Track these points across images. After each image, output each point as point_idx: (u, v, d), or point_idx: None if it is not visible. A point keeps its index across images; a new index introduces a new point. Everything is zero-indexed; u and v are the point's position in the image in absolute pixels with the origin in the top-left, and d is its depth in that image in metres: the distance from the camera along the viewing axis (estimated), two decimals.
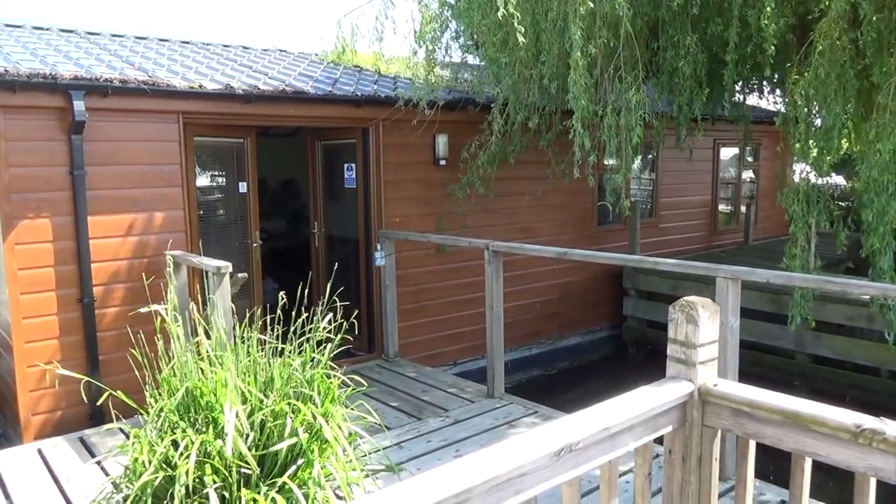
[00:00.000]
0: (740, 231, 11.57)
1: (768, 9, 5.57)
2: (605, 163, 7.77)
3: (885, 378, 6.98)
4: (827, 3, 6.02)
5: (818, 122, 5.89)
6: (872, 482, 1.68)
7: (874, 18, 5.43)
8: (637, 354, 9.18)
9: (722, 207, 11.77)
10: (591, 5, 5.67)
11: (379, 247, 6.87)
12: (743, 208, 11.84)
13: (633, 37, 6.35)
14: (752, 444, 2.00)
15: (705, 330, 2.08)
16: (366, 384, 3.68)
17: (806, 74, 5.73)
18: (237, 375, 3.19)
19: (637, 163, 9.78)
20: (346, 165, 7.26)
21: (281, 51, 9.19)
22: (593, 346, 9.38)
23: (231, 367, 3.12)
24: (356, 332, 4.04)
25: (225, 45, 8.76)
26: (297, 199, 10.34)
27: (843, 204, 10.21)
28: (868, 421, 1.66)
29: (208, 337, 3.51)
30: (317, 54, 9.07)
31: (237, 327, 3.60)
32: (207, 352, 3.35)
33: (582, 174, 6.19)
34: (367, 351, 7.13)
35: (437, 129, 7.16)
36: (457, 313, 7.65)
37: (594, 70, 6.24)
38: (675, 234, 10.54)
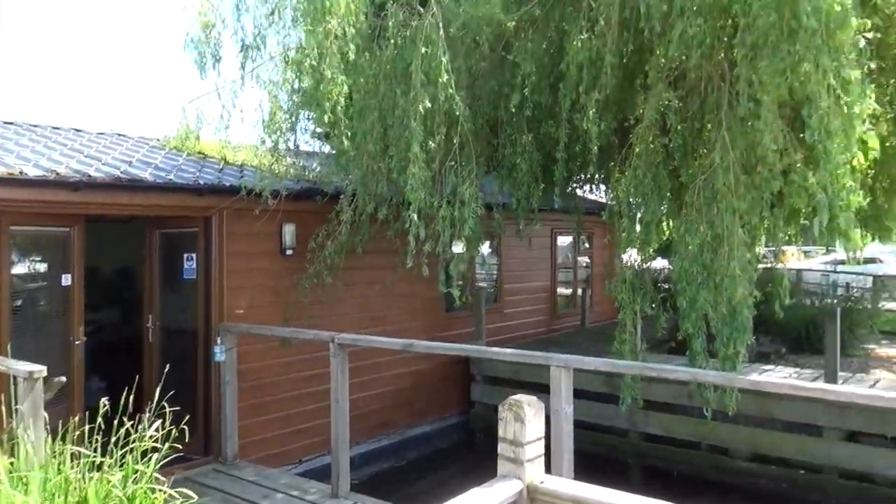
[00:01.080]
0: (578, 314, 12.26)
1: (591, 113, 6.16)
2: (453, 251, 8.02)
3: (705, 452, 7.51)
4: (641, 111, 6.76)
5: (639, 215, 6.49)
6: None
7: (679, 127, 6.16)
8: (485, 440, 9.27)
9: (561, 290, 12.47)
10: (429, 105, 6.00)
11: (219, 340, 6.55)
12: (580, 292, 12.60)
13: (474, 134, 6.76)
14: None
15: (532, 428, 2.17)
16: (197, 496, 3.42)
17: (627, 173, 6.33)
18: (44, 498, 2.85)
19: (483, 249, 10.19)
20: (186, 255, 6.95)
21: (119, 135, 8.80)
22: (443, 433, 9.37)
23: (35, 490, 2.79)
24: (191, 435, 3.78)
25: (54, 128, 8.26)
26: (133, 288, 9.70)
27: (666, 286, 11.19)
28: None
29: (13, 454, 3.13)
30: (158, 140, 8.77)
31: (50, 440, 3.25)
32: (10, 472, 2.98)
33: (416, 263, 6.27)
34: (204, 454, 6.65)
35: (284, 219, 7.10)
36: (303, 407, 7.38)
37: (433, 164, 6.53)
38: (519, 319, 10.99)
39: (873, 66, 5.63)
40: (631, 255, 6.71)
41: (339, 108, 5.61)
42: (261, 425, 7.04)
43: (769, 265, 8.90)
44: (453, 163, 6.60)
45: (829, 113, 4.41)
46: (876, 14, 5.61)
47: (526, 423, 2.16)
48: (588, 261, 13.16)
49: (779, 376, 7.85)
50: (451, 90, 6.00)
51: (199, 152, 8.19)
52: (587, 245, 13.02)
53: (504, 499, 2.07)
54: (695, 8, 5.29)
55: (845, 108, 4.43)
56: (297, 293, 7.18)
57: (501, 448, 2.21)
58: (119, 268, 9.94)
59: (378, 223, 7.09)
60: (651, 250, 6.63)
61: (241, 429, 6.68)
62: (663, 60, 5.89)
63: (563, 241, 12.32)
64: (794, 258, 21.17)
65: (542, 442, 2.24)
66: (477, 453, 8.79)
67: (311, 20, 6.08)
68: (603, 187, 9.55)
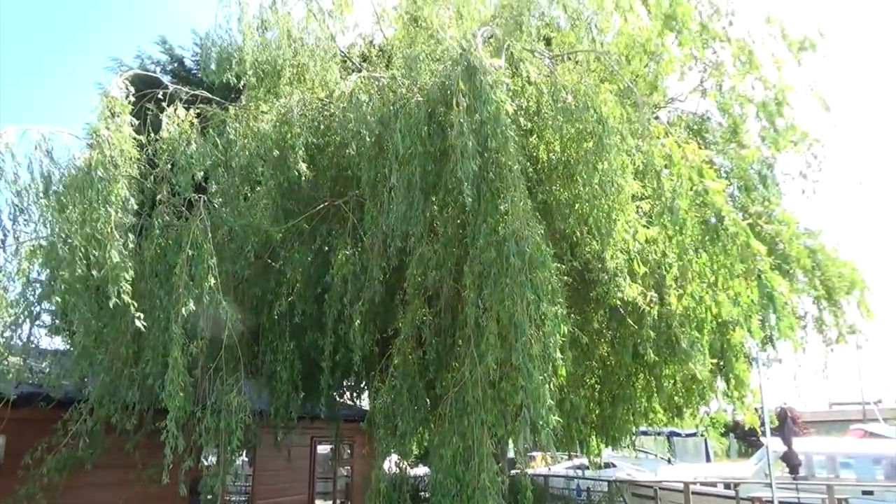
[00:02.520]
0: None
1: (356, 324, 6.35)
2: (203, 464, 7.32)
3: None
4: (399, 324, 7.13)
5: (399, 425, 6.54)
6: None
7: (434, 341, 6.55)
8: None
9: (320, 503, 11.78)
10: (193, 307, 5.78)
11: None
12: None
13: (238, 339, 6.55)
14: None
15: None
16: None
17: (386, 383, 6.47)
18: None
19: (237, 462, 9.44)
20: None
21: None
22: None
23: None
24: None
25: None
26: None
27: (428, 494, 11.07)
28: None
29: None
30: None
31: None
32: None
33: (172, 480, 5.60)
34: None
35: None
36: None
37: (195, 370, 6.15)
38: None
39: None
40: (391, 465, 6.65)
41: (124, 294, 5.16)
42: None
43: (519, 471, 9.29)
44: (215, 368, 6.25)
45: (532, 339, 5.00)
46: (575, 259, 6.73)
47: None
48: (349, 470, 12.76)
49: None
50: (218, 294, 5.87)
51: None
52: (349, 453, 12.70)
53: None
54: (438, 234, 5.94)
55: (543, 336, 5.05)
56: None
57: None
58: None
59: (115, 433, 6.32)
60: (409, 461, 6.65)
61: None
62: (420, 279, 6.39)
63: (324, 449, 11.92)
64: (542, 463, 22.32)
65: None
66: None
67: (88, 205, 5.65)
68: (365, 395, 9.61)
